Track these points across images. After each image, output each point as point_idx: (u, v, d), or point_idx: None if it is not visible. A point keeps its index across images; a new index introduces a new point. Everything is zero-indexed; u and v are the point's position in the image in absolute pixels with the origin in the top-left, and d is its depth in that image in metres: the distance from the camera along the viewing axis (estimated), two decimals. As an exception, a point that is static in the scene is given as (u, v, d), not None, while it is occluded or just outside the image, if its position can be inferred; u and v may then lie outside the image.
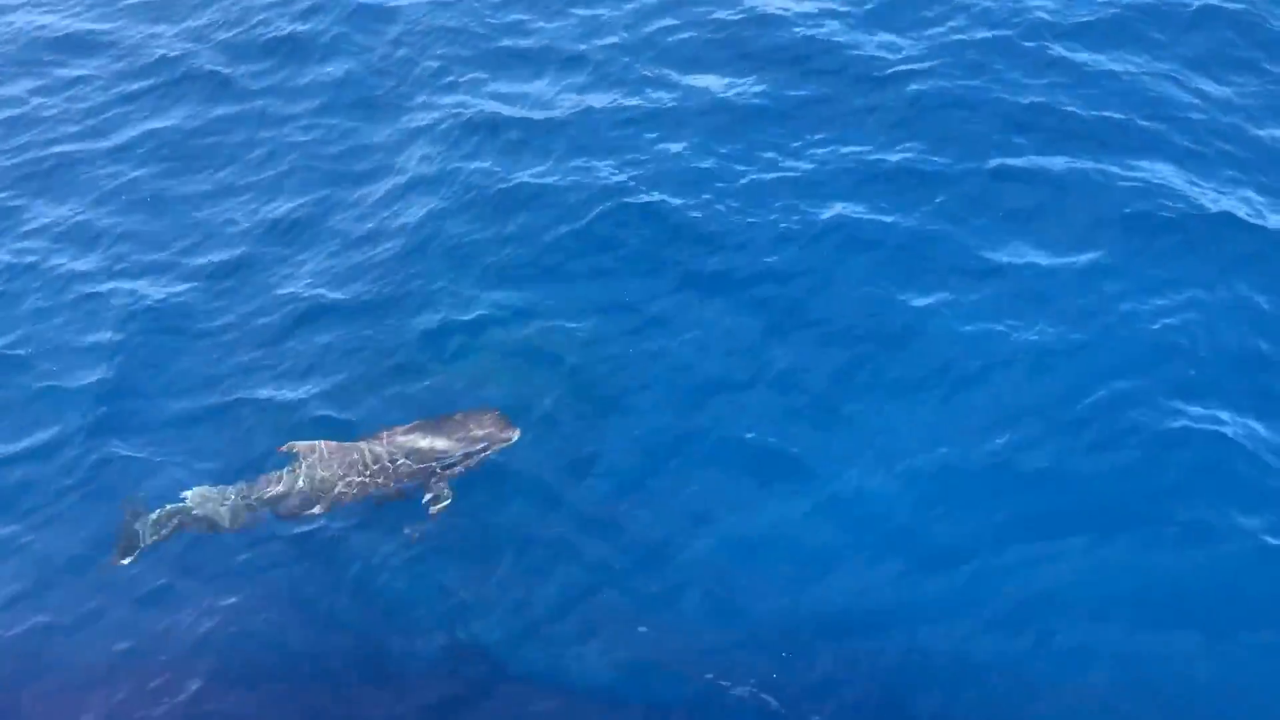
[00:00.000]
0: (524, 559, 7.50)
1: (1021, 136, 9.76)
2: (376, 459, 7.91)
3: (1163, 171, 9.26)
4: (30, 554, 7.96)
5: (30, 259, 10.33)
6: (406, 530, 7.72)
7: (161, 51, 12.88)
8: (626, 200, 9.69)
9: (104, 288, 9.87)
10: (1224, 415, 7.46)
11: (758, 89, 10.72)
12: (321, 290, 9.52)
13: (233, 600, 7.51)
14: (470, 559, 7.58)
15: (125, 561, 7.76)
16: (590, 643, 7.01)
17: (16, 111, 12.45)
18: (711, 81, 10.91)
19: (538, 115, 10.89)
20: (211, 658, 7.24)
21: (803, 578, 7.11)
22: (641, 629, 7.00)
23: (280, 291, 9.56)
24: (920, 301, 8.51)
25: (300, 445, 8.04)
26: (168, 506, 7.87)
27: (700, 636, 6.95)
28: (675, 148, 10.15)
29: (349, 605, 7.44)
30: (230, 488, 7.99)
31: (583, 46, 11.70)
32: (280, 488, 7.94)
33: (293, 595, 7.54)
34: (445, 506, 7.76)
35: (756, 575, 7.16)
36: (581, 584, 7.30)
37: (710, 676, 6.74)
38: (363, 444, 8.01)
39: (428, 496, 7.83)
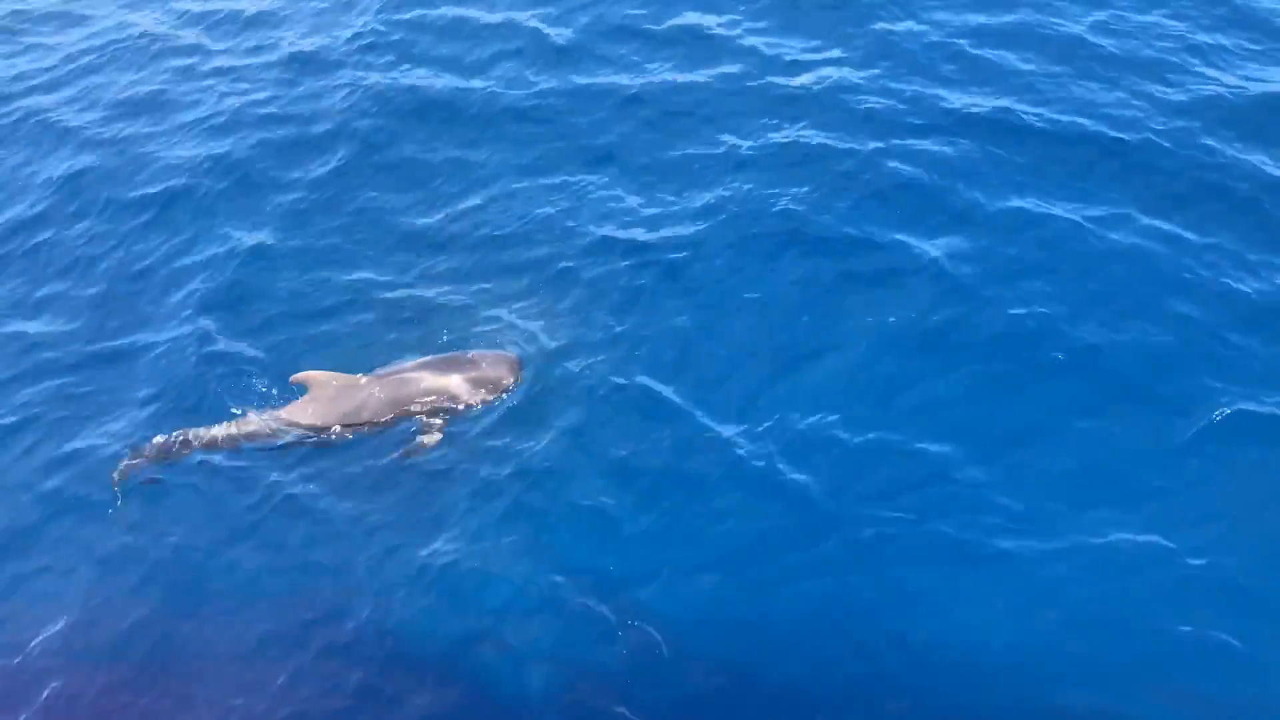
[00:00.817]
0: (520, 512, 7.51)
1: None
2: (381, 393, 8.05)
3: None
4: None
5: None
6: (395, 455, 7.92)
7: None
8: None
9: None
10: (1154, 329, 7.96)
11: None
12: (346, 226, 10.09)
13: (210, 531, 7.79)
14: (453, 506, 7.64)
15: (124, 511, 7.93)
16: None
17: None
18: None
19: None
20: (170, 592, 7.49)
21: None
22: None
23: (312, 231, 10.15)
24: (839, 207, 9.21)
25: (306, 375, 8.20)
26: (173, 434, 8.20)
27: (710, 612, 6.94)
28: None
29: (333, 545, 7.55)
30: (253, 413, 8.28)
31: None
32: (285, 416, 8.13)
33: (271, 523, 7.72)
34: (435, 441, 7.91)
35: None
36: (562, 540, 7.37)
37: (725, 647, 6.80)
38: (369, 377, 8.16)
39: (423, 431, 7.97)
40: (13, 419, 8.93)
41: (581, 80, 11.44)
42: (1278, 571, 6.59)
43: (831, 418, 7.72)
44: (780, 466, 7.46)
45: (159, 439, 8.24)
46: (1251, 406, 7.36)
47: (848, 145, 9.92)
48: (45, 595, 7.71)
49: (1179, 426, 7.38)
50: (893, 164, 9.65)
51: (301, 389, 8.29)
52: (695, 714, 6.51)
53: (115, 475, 8.12)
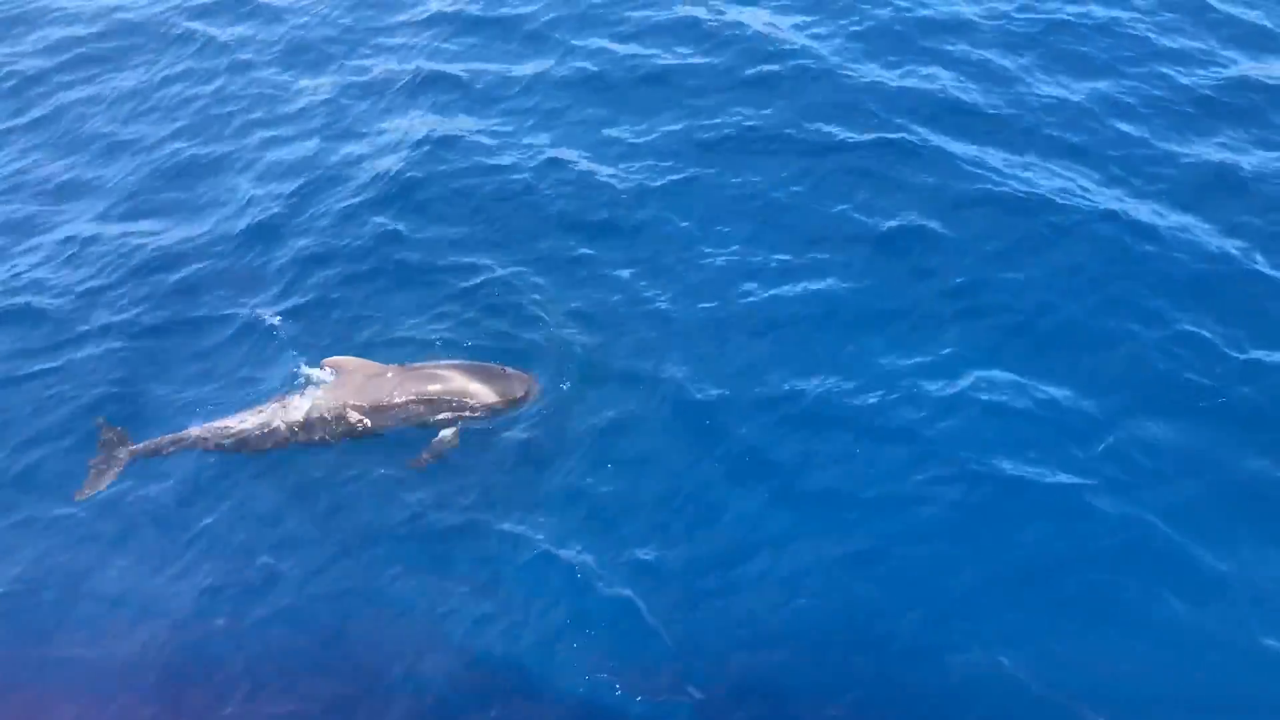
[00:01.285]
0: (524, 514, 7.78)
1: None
2: (405, 384, 8.26)
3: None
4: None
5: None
6: (410, 462, 8.13)
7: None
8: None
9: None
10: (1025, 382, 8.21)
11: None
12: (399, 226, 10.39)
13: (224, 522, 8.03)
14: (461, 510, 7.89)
15: (90, 493, 8.04)
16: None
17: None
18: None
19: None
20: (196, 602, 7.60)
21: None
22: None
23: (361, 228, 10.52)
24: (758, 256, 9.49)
25: (337, 360, 8.48)
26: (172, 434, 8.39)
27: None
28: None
29: (345, 539, 7.81)
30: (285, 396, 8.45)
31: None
32: (313, 398, 8.31)
33: (287, 518, 7.97)
34: (449, 446, 8.13)
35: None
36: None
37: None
38: (397, 368, 8.39)
39: (438, 435, 8.17)
40: (63, 397, 9.25)
41: (568, 71, 12.10)
42: (1212, 540, 7.21)
43: (804, 386, 8.30)
44: (743, 431, 8.12)
45: (168, 436, 8.48)
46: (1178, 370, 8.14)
47: (813, 127, 10.52)
48: (57, 577, 8.02)
49: (1120, 399, 8.02)
50: (855, 146, 10.25)
51: (332, 372, 8.60)
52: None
53: (98, 462, 8.37)
